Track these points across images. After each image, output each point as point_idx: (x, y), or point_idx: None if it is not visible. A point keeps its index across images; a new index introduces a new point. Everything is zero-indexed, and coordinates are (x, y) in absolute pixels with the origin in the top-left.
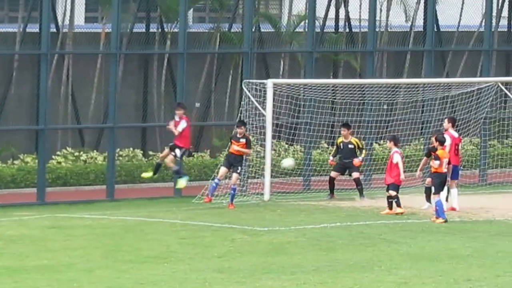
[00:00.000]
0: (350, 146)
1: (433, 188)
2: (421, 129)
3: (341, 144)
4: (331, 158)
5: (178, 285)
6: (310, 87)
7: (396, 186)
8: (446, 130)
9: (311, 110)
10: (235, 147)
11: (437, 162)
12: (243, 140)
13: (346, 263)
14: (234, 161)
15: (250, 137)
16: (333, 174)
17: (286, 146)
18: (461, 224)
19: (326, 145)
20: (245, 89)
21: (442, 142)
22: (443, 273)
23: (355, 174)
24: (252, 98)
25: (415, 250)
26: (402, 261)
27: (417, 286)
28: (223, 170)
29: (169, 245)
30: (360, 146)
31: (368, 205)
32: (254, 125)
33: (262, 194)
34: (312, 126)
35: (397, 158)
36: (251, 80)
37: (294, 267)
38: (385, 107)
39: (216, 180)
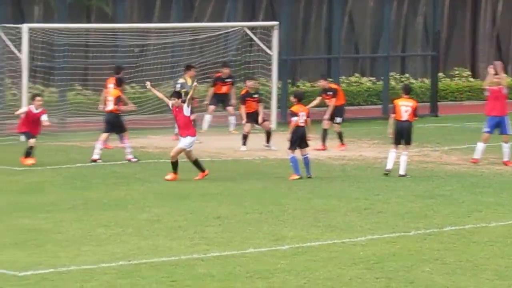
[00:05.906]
0: None
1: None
2: (172, 72)
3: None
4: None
5: None
6: (64, 32)
7: None
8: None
9: (66, 54)
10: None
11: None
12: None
13: (100, 201)
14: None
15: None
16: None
17: (42, 88)
18: (210, 164)
19: (80, 88)
20: (1, 34)
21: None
22: (193, 211)
23: None
24: (8, 42)
25: (167, 189)
26: (155, 199)
27: (169, 223)
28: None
29: None
30: None
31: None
32: (11, 69)
33: (18, 135)
34: (66, 70)
35: None
36: (6, 25)
37: (50, 206)
38: (136, 50)
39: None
